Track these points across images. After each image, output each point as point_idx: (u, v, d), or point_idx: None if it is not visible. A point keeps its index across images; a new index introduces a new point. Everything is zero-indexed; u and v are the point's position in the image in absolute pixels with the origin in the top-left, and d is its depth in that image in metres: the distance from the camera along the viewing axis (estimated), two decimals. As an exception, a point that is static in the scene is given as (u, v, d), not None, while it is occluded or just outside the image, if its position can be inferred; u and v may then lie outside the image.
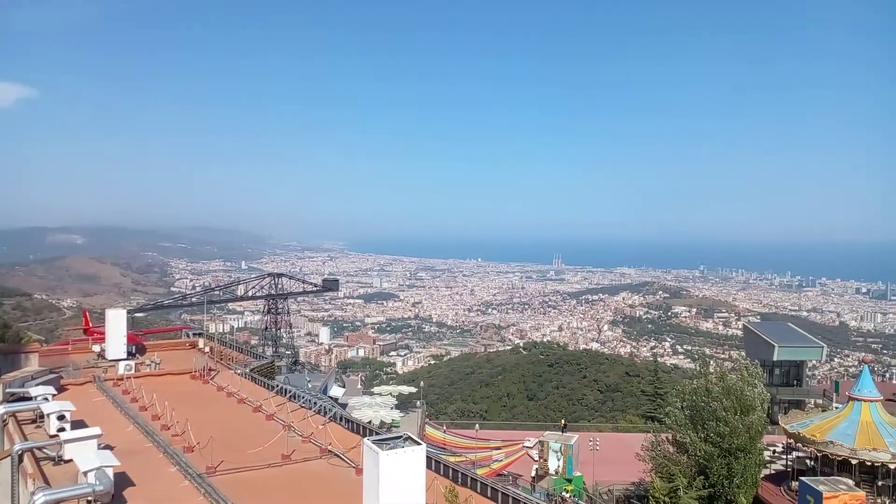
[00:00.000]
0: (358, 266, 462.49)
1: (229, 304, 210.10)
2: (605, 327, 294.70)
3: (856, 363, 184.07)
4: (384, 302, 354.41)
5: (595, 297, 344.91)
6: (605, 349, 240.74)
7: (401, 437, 22.14)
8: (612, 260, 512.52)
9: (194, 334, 71.86)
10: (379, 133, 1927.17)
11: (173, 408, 37.53)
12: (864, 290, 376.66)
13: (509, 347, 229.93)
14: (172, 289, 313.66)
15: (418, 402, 71.78)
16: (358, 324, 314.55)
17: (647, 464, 49.54)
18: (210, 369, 53.09)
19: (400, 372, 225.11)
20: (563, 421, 73.31)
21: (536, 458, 56.54)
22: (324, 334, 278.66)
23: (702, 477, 45.46)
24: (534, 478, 54.70)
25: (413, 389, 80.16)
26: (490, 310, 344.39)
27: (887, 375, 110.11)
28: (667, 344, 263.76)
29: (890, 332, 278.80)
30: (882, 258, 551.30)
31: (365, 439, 21.76)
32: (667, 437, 51.39)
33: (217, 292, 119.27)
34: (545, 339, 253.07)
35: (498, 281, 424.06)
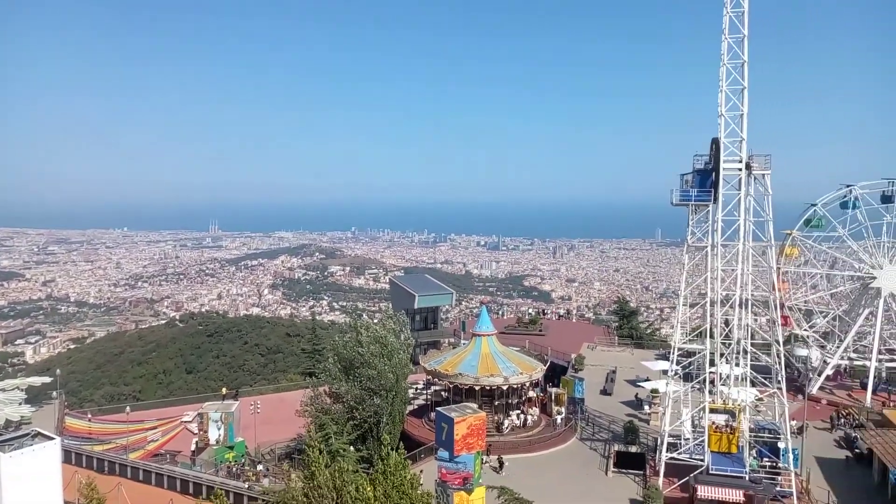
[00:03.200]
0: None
1: None
2: (266, 291, 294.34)
3: (477, 304, 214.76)
4: (5, 283, 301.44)
5: (255, 263, 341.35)
6: (266, 313, 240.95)
7: (28, 434, 20.01)
8: (270, 224, 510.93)
9: None
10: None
11: None
12: (482, 242, 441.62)
13: (164, 321, 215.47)
14: None
15: (55, 393, 63.76)
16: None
17: (307, 418, 51.93)
18: None
19: (31, 362, 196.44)
20: (224, 389, 72.34)
21: (196, 431, 55.26)
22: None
23: (352, 421, 49.32)
24: (194, 451, 53.43)
25: (48, 379, 70.62)
26: (141, 283, 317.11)
27: (500, 313, 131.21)
28: (324, 302, 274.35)
29: (502, 277, 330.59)
30: (495, 215, 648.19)
31: (-19, 443, 19.14)
32: (324, 390, 54.43)
33: None
34: (204, 309, 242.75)
35: (148, 251, 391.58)
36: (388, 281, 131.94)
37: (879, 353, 64.06)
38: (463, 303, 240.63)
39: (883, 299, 63.83)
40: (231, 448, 52.71)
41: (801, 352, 68.25)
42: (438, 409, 44.92)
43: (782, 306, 57.73)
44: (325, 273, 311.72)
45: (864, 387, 65.81)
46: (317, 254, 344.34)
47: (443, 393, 60.05)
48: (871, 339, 65.01)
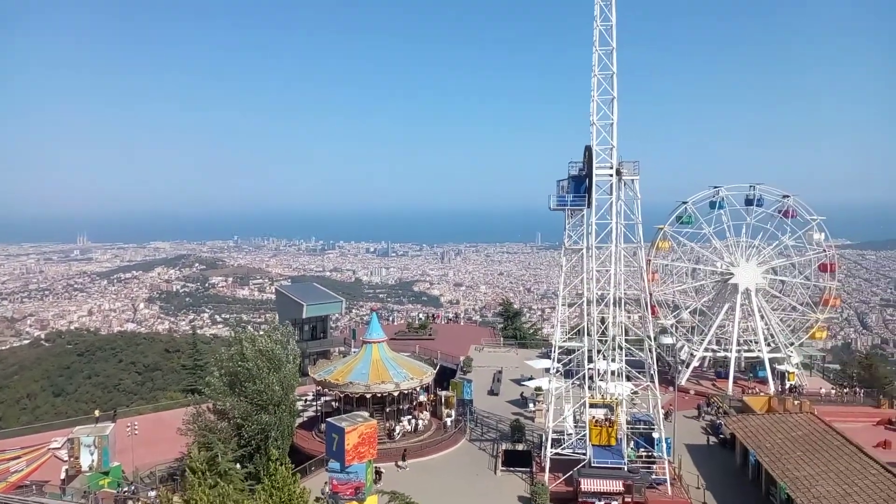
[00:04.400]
0: None
1: None
2: (142, 306, 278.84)
3: (368, 311, 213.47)
4: None
5: (128, 276, 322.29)
6: (143, 328, 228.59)
7: None
8: (144, 234, 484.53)
9: None
10: None
11: None
12: (372, 249, 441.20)
13: (28, 341, 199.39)
14: None
15: None
16: None
17: (189, 437, 49.85)
18: None
19: None
20: (96, 412, 67.97)
21: (67, 458, 51.74)
22: None
23: (238, 438, 47.77)
24: (64, 480, 49.97)
25: None
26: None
27: (391, 319, 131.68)
28: (206, 315, 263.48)
29: (392, 283, 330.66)
30: (384, 222, 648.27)
31: None
32: (208, 407, 52.40)
33: None
34: (73, 327, 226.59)
35: (8, 266, 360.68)
36: (274, 291, 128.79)
37: (738, 344, 69.85)
38: (353, 310, 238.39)
39: (740, 294, 69.53)
40: (106, 474, 49.73)
41: (666, 340, 73.15)
42: (329, 419, 44.46)
43: (651, 296, 61.68)
44: (206, 285, 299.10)
45: (718, 376, 71.80)
46: (196, 264, 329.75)
47: (333, 403, 59.42)
48: (730, 332, 70.73)
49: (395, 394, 56.71)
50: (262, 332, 56.59)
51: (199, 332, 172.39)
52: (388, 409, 57.45)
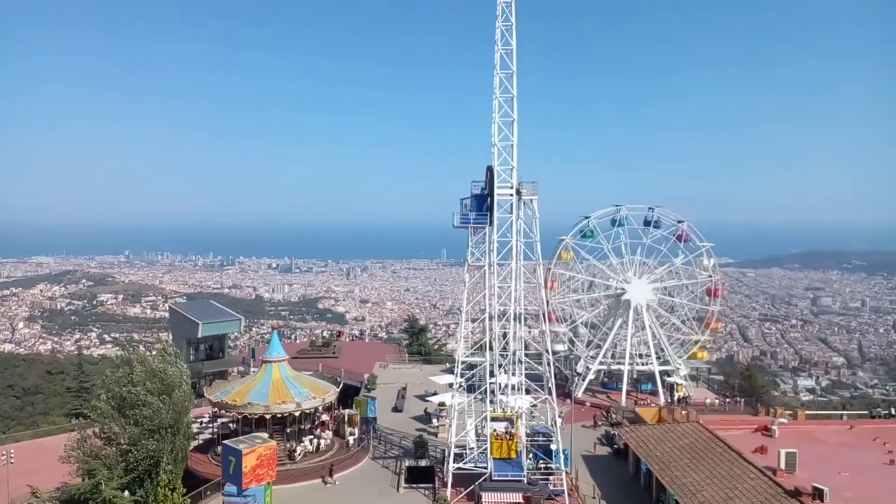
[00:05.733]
0: None
1: None
2: (21, 325, 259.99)
3: (269, 330, 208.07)
4: None
5: (6, 292, 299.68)
6: (22, 349, 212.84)
7: None
8: (25, 248, 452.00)
9: None
10: None
11: None
12: (274, 265, 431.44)
13: None
14: None
15: None
16: None
17: (72, 464, 46.79)
18: None
19: None
20: (-34, 442, 62.72)
21: (-71, 494, 47.39)
22: None
23: (125, 465, 45.18)
24: (-74, 517, 45.71)
25: None
26: None
27: (294, 337, 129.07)
28: (93, 335, 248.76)
29: (295, 300, 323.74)
30: (288, 237, 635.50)
31: None
32: (93, 432, 49.39)
33: None
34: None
35: None
36: (167, 308, 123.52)
37: (630, 357, 73.11)
38: (254, 329, 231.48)
39: (632, 310, 72.86)
40: (-24, 508, 45.88)
41: (559, 347, 75.63)
42: (225, 441, 43.01)
43: (548, 304, 63.70)
44: (94, 302, 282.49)
45: (605, 387, 74.93)
46: (83, 280, 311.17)
47: (231, 425, 57.40)
48: (623, 346, 73.93)
49: (297, 414, 55.48)
50: (154, 352, 54.03)
51: (85, 352, 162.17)
52: (288, 430, 56.09)
